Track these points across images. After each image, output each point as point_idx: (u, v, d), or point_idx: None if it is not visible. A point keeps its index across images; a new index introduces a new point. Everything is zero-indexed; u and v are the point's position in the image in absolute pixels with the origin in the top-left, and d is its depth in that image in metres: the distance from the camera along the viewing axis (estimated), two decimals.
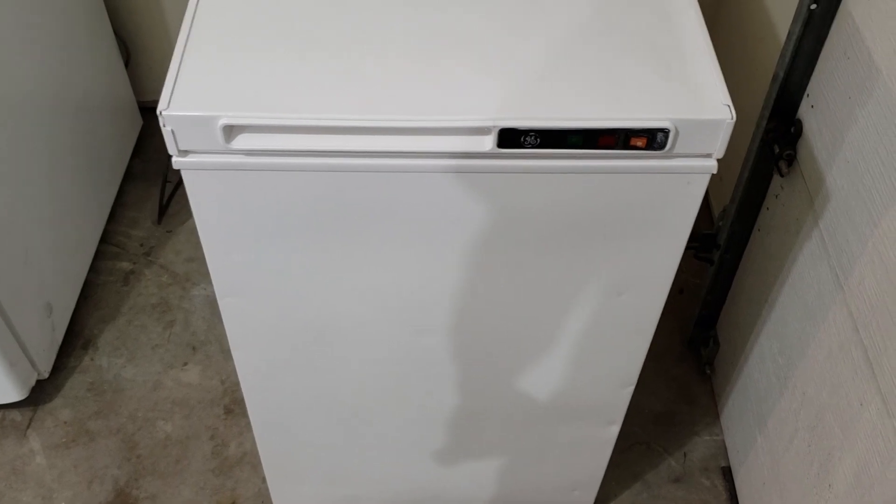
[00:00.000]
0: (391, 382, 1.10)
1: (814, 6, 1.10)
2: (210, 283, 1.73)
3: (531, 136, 0.79)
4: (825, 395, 1.12)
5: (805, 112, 1.19)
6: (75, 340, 1.64)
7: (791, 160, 1.22)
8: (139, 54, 1.94)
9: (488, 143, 0.80)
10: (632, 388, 1.13)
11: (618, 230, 0.89)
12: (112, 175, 1.84)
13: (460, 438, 1.22)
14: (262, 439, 1.22)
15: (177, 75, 0.80)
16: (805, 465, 1.18)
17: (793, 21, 1.14)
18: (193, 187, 0.84)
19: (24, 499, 1.43)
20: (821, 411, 1.14)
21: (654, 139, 0.79)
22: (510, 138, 0.79)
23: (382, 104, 0.79)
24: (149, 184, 1.91)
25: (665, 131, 0.79)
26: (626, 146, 0.80)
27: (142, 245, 1.80)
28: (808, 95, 1.18)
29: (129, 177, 1.91)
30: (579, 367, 1.08)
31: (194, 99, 0.78)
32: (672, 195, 0.86)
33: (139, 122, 1.98)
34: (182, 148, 0.80)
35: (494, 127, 0.78)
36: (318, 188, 0.84)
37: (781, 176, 1.25)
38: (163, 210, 1.85)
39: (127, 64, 1.90)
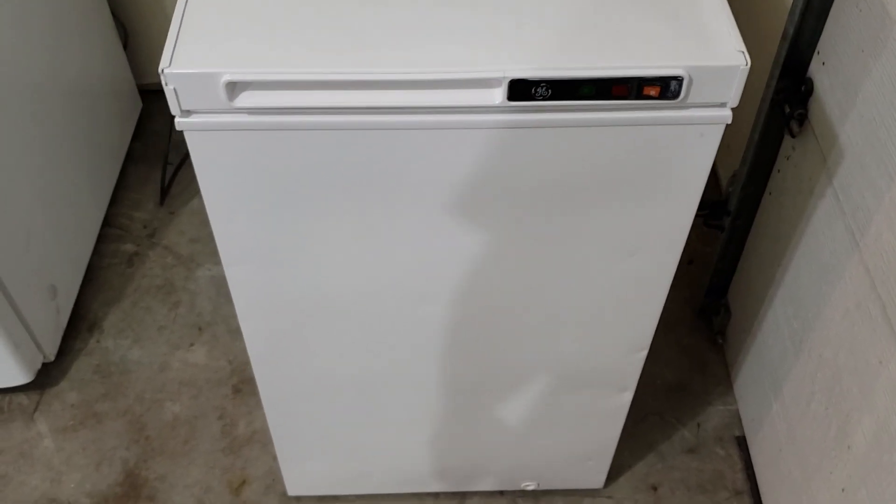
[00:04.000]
0: (397, 352, 1.08)
1: None
2: (215, 263, 1.73)
3: (542, 87, 0.77)
4: (842, 356, 1.11)
5: (816, 70, 1.17)
6: (80, 323, 1.62)
7: (802, 119, 1.20)
8: (137, 37, 1.92)
9: (498, 95, 0.78)
10: (644, 353, 1.12)
11: (630, 186, 0.87)
12: (113, 158, 1.82)
13: (471, 409, 1.20)
14: (273, 415, 1.21)
15: (177, 34, 0.78)
16: (823, 429, 1.17)
17: None
18: (196, 149, 0.82)
19: (32, 482, 1.42)
20: (838, 373, 1.12)
21: (667, 88, 0.77)
22: (521, 90, 0.77)
23: (389, 59, 0.78)
24: (150, 166, 1.90)
25: (679, 79, 0.77)
26: (640, 96, 0.78)
27: (145, 227, 1.78)
28: (818, 53, 1.16)
29: (130, 159, 1.90)
30: (592, 332, 1.06)
31: (196, 57, 0.77)
32: (685, 148, 0.84)
33: (139, 104, 1.96)
34: (185, 108, 0.78)
35: (504, 78, 0.76)
36: (322, 147, 0.82)
37: (793, 136, 1.23)
38: (165, 191, 1.83)
39: (125, 46, 1.88)
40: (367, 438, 1.27)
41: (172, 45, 0.78)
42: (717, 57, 0.77)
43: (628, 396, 1.20)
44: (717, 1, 0.83)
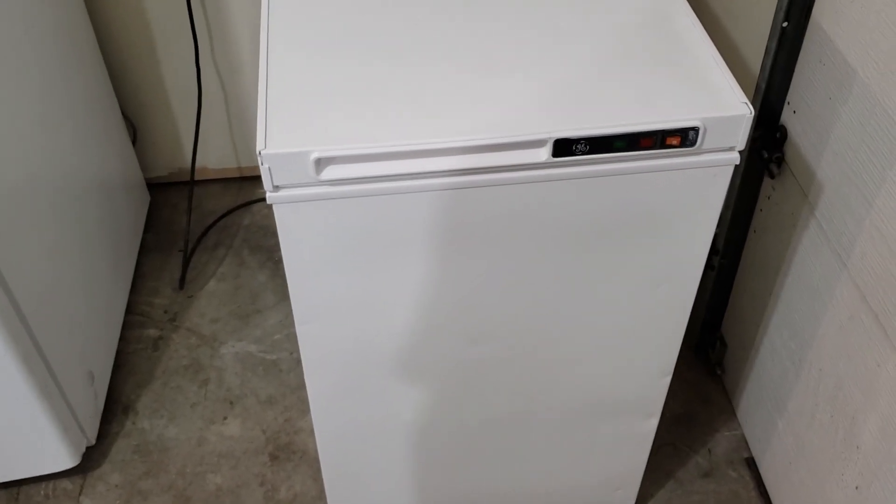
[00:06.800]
0: (447, 392, 1.19)
1: (785, 24, 1.25)
2: (238, 340, 1.81)
3: (582, 143, 0.91)
4: (842, 366, 1.24)
5: (788, 118, 1.33)
6: (115, 407, 1.69)
7: (780, 162, 1.36)
8: (144, 132, 2.04)
9: (544, 153, 0.91)
10: (669, 378, 1.24)
11: (655, 224, 1.01)
12: (130, 249, 1.91)
13: (510, 444, 1.30)
14: (328, 468, 1.29)
15: (266, 118, 0.91)
16: (830, 435, 1.29)
17: (769, 38, 1.29)
18: (283, 220, 0.94)
19: None
20: (839, 381, 1.25)
21: (686, 137, 0.92)
22: (563, 148, 0.91)
23: (451, 127, 0.90)
24: (163, 255, 1.99)
25: (696, 129, 0.91)
26: (663, 146, 0.92)
27: (165, 312, 1.87)
28: (788, 103, 1.33)
29: (143, 250, 1.99)
30: (624, 360, 1.18)
31: (287, 138, 0.89)
32: (701, 188, 0.98)
33: (147, 197, 2.07)
34: (276, 183, 0.90)
35: (550, 138, 0.90)
36: (392, 209, 0.94)
37: (772, 178, 1.39)
38: (183, 277, 1.92)
39: (134, 142, 1.99)
40: (411, 482, 1.35)
41: (264, 128, 0.90)
42: (726, 108, 0.92)
43: (654, 423, 1.31)
44: (715, 58, 0.98)
